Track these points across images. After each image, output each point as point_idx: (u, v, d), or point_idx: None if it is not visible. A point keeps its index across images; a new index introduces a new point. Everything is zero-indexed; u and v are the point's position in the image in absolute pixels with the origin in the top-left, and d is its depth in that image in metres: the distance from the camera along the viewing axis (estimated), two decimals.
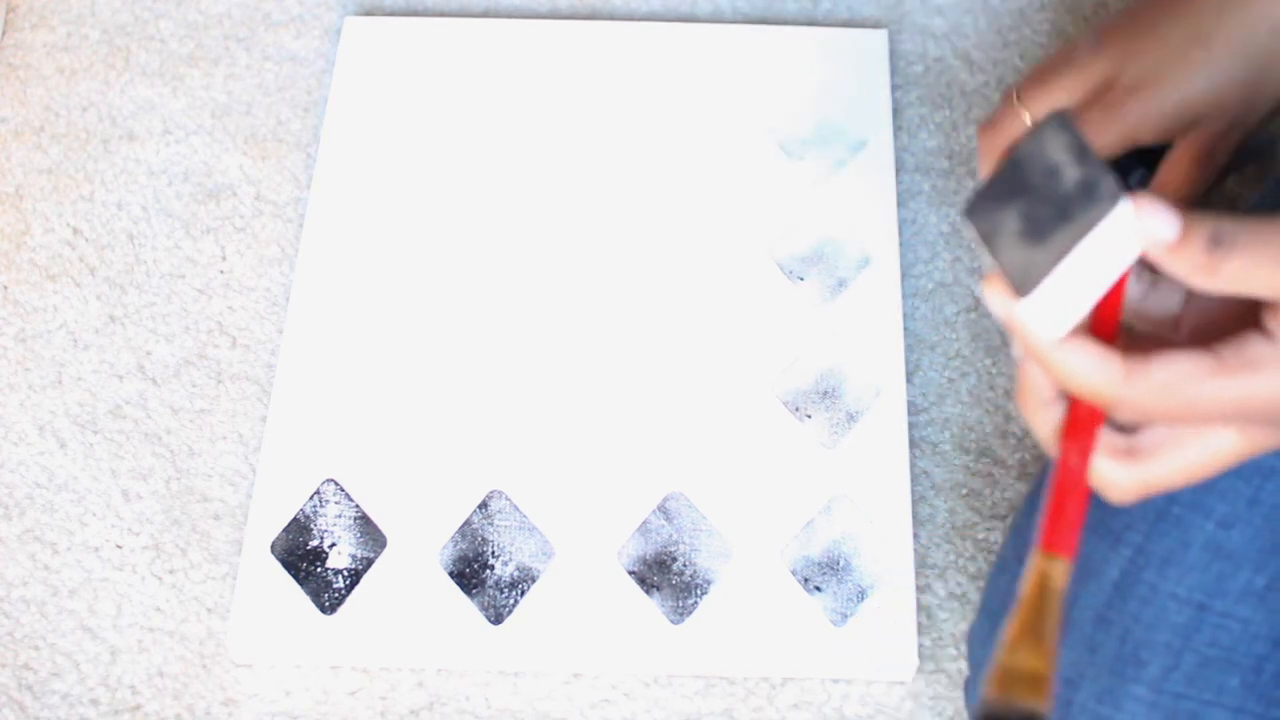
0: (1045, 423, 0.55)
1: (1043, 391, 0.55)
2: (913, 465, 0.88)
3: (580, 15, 1.05)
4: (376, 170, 0.96)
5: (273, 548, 0.84)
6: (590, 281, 0.92)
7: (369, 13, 1.05)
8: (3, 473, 0.88)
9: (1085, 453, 0.54)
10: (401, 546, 0.84)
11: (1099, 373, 0.53)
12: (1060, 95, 0.73)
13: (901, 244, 0.95)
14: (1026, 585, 0.53)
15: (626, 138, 0.97)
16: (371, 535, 0.84)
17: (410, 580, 0.83)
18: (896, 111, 1.00)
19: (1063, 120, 0.52)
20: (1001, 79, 1.02)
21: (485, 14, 1.05)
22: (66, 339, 0.92)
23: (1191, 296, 0.56)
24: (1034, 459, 0.87)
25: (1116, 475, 0.55)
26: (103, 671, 0.82)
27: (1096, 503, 0.67)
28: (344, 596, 0.83)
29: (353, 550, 0.84)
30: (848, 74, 1.00)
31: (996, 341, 0.91)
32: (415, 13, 1.05)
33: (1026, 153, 0.52)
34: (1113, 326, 0.55)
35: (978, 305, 0.93)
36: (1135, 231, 0.52)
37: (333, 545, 0.84)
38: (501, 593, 0.83)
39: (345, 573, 0.83)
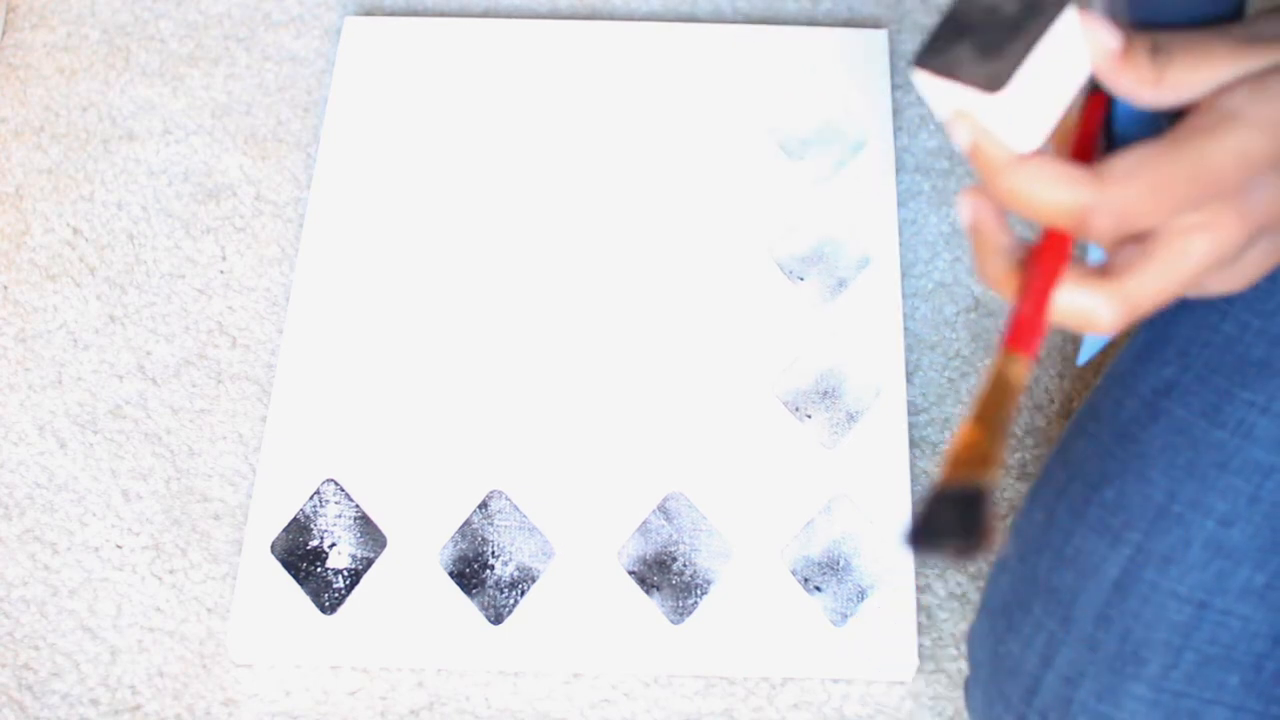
0: (1007, 274, 0.55)
1: (1001, 237, 0.55)
2: (913, 465, 0.88)
3: (580, 15, 1.05)
4: (376, 170, 0.96)
5: (273, 548, 0.84)
6: (590, 281, 0.92)
7: (369, 13, 1.05)
8: (3, 473, 0.88)
9: (1049, 277, 0.54)
10: (401, 546, 0.84)
11: (1067, 179, 0.53)
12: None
13: (901, 244, 0.95)
14: (986, 379, 0.53)
15: (626, 138, 0.97)
16: (371, 535, 0.84)
17: (410, 580, 0.83)
18: (896, 111, 1.00)
19: None
20: None
21: (485, 14, 1.05)
22: (66, 339, 0.92)
23: None
24: (1034, 459, 0.87)
25: (1097, 302, 0.54)
26: (103, 671, 0.82)
27: (1094, 500, 0.67)
28: (344, 596, 0.83)
29: (353, 550, 0.84)
30: (848, 74, 1.00)
31: (996, 341, 0.91)
32: (415, 13, 1.05)
33: (962, 2, 0.54)
34: (1089, 160, 0.56)
35: (978, 305, 0.93)
36: (1083, 40, 0.54)
37: (333, 545, 0.84)
38: (501, 593, 0.83)
39: (345, 573, 0.83)
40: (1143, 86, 0.55)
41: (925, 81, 0.53)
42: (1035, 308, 0.53)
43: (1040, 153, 0.54)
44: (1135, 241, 0.55)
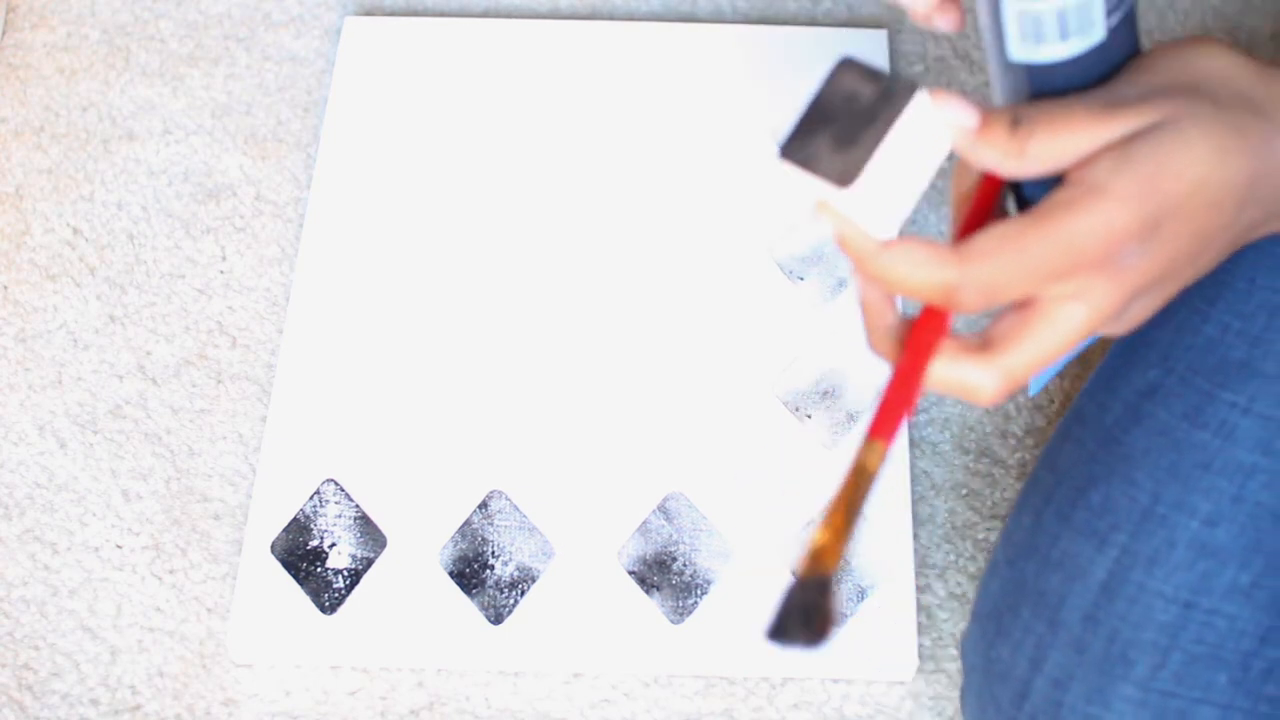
0: (893, 344, 0.58)
1: (886, 316, 0.57)
2: (913, 465, 0.88)
3: (580, 15, 1.05)
4: (376, 170, 0.96)
5: (273, 548, 0.84)
6: (590, 281, 0.92)
7: (369, 13, 1.05)
8: (3, 473, 0.88)
9: (923, 353, 0.56)
10: (401, 546, 0.84)
11: (931, 259, 0.55)
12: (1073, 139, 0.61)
13: None
14: (848, 471, 0.56)
15: (627, 138, 0.97)
16: (371, 535, 0.84)
17: (410, 580, 0.83)
18: None
19: (849, 59, 0.56)
20: None
21: (485, 14, 1.05)
22: (66, 339, 0.92)
23: None
24: (1034, 459, 0.87)
25: (978, 375, 0.56)
26: (103, 671, 0.82)
27: (1080, 504, 0.68)
28: (344, 596, 0.83)
29: (353, 550, 0.84)
30: None
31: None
32: (415, 13, 1.05)
33: (824, 92, 0.56)
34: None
35: None
36: (939, 120, 0.55)
37: (333, 545, 0.84)
38: (501, 593, 0.83)
39: (345, 573, 0.83)
40: (1006, 159, 0.56)
41: (788, 172, 0.55)
42: (903, 403, 0.56)
43: (907, 236, 0.56)
44: (1015, 309, 0.57)
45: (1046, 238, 0.55)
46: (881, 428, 0.56)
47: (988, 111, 0.56)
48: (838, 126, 0.55)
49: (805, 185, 0.55)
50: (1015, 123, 0.56)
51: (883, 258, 0.55)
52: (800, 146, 0.55)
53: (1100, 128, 0.56)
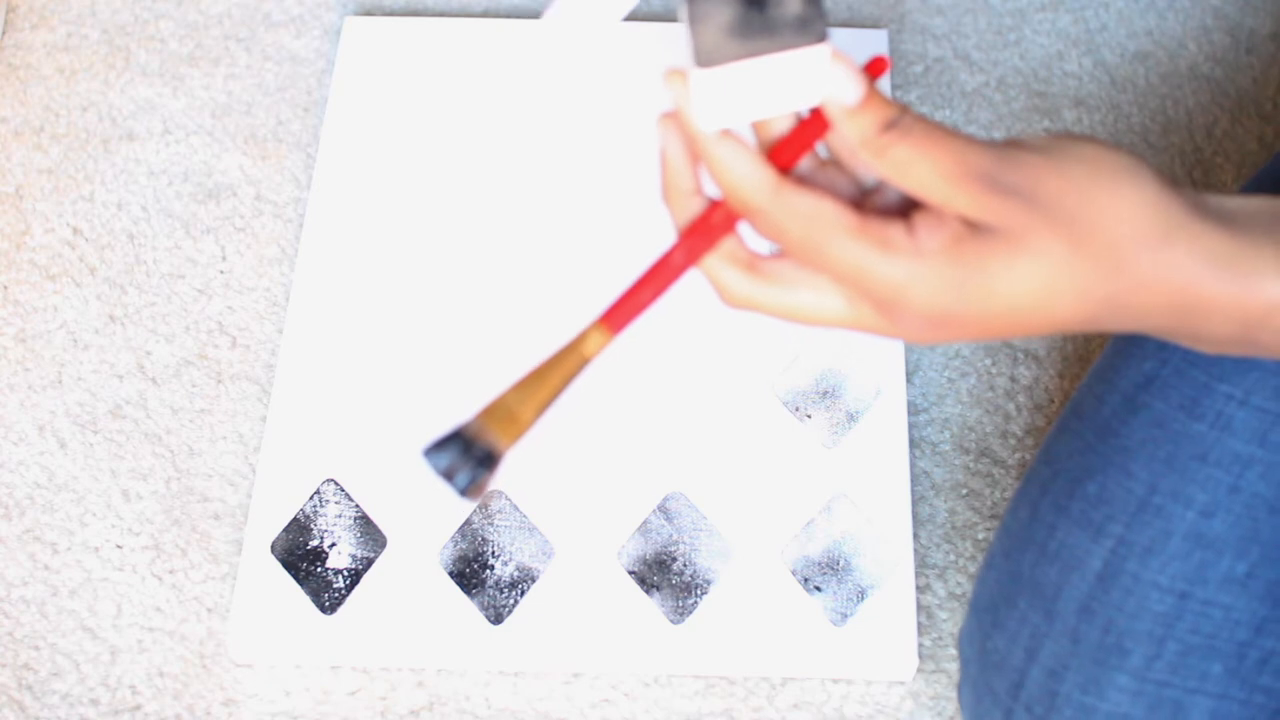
0: (684, 212, 0.57)
1: (685, 181, 0.57)
2: (913, 465, 0.88)
3: None
4: (376, 170, 0.96)
5: (273, 548, 0.84)
6: (590, 281, 0.92)
7: (369, 13, 1.05)
8: (3, 473, 0.88)
9: (694, 254, 0.57)
10: (401, 546, 0.84)
11: (753, 174, 0.55)
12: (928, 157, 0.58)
13: None
14: (562, 349, 0.56)
15: (627, 138, 0.97)
16: (371, 535, 0.84)
17: (410, 580, 0.83)
18: None
19: None
20: (1002, 79, 1.02)
21: (485, 14, 1.05)
22: (66, 339, 0.92)
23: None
24: (1034, 459, 0.87)
25: (733, 279, 0.57)
26: (103, 671, 0.82)
27: (1077, 495, 0.68)
28: (344, 596, 0.83)
29: (353, 550, 0.84)
30: None
31: (996, 342, 0.91)
32: (415, 13, 1.05)
33: None
34: (785, 167, 0.57)
35: None
36: (825, 77, 0.54)
37: (333, 545, 0.84)
38: (501, 593, 0.83)
39: (345, 573, 0.83)
40: (862, 149, 0.55)
41: (681, 15, 0.54)
42: (648, 297, 0.56)
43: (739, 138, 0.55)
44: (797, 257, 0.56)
45: (851, 254, 0.54)
46: (616, 317, 0.56)
47: (874, 96, 0.55)
48: (748, 10, 0.54)
49: (682, 36, 0.54)
50: (890, 124, 0.54)
51: (724, 143, 0.55)
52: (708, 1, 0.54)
53: (958, 187, 0.54)
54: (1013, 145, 0.54)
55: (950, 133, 0.54)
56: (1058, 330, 0.56)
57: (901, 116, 0.54)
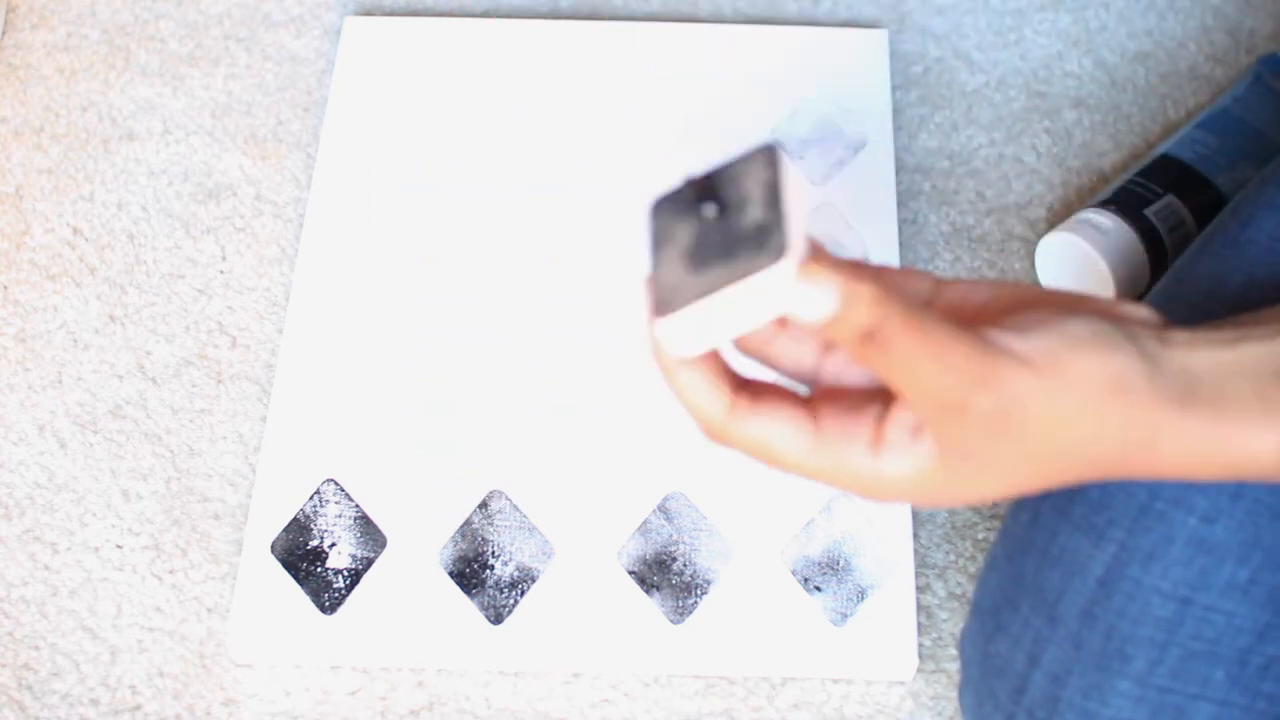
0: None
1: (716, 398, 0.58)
2: None
3: (580, 15, 1.05)
4: (376, 170, 0.96)
5: (273, 548, 0.84)
6: (590, 281, 0.92)
7: (369, 13, 1.05)
8: (3, 473, 0.88)
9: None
10: (401, 546, 0.84)
11: (707, 403, 0.56)
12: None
13: (901, 244, 0.95)
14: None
15: (627, 138, 0.97)
16: (371, 535, 0.84)
17: (410, 580, 0.83)
18: (896, 111, 1.00)
19: (773, 156, 0.53)
20: (1002, 79, 1.02)
21: (485, 14, 1.05)
22: (66, 339, 0.92)
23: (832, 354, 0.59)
24: None
25: (713, 411, 0.57)
26: (103, 671, 0.82)
27: (1078, 499, 0.68)
28: (344, 596, 0.83)
29: (353, 550, 0.84)
30: (848, 74, 1.00)
31: None
32: (415, 13, 1.05)
33: (728, 172, 0.53)
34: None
35: None
36: (790, 296, 0.52)
37: (333, 545, 0.84)
38: (501, 593, 0.83)
39: (345, 573, 0.83)
40: (845, 349, 0.54)
41: (643, 230, 0.54)
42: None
43: (709, 360, 0.55)
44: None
45: (810, 468, 0.56)
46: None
47: (850, 303, 0.52)
48: (706, 229, 0.53)
49: (645, 257, 0.54)
50: (868, 338, 0.53)
51: (675, 369, 0.56)
52: (669, 214, 0.53)
53: (935, 416, 0.54)
54: (1000, 361, 0.54)
55: (934, 342, 0.53)
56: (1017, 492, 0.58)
57: (884, 324, 0.53)
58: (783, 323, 0.58)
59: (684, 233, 0.53)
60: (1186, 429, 0.55)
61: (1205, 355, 0.56)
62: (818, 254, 0.52)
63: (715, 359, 0.56)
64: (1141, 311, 0.57)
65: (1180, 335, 0.57)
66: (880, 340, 0.53)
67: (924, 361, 0.53)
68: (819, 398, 0.57)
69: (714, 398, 0.56)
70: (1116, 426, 0.55)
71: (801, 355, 0.58)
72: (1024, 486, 0.56)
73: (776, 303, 0.52)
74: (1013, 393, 0.54)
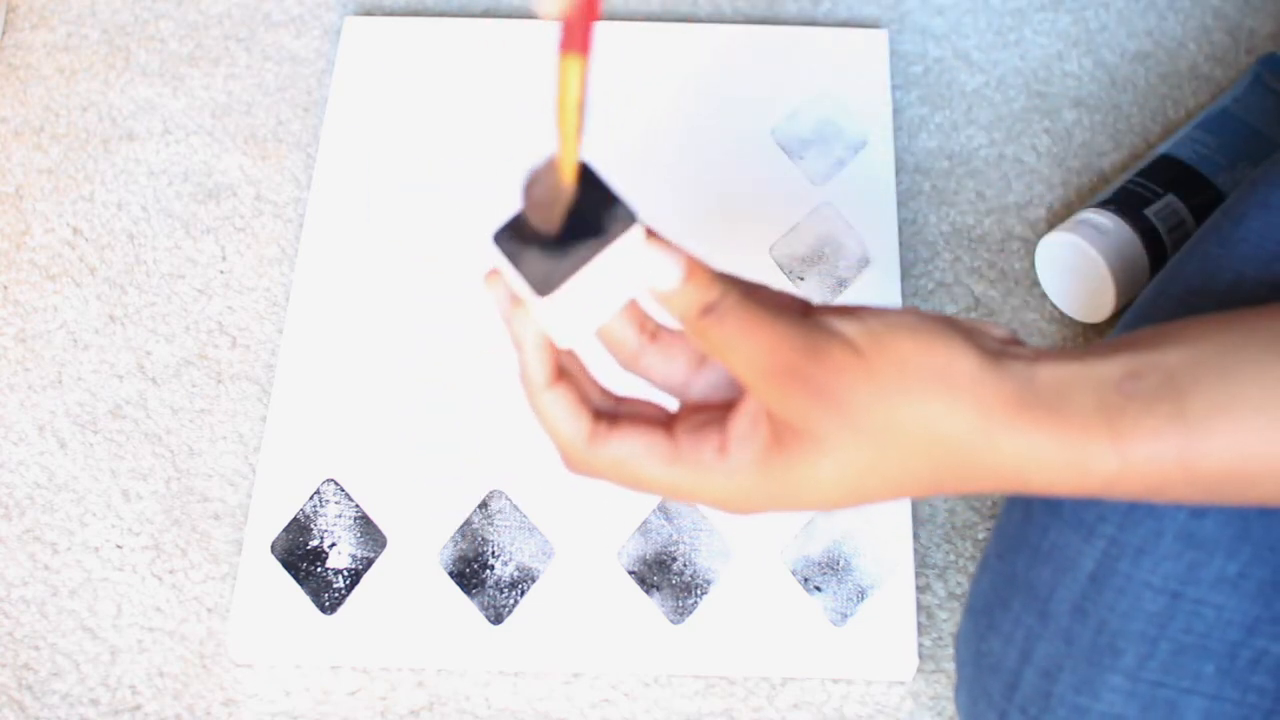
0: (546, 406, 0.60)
1: (538, 378, 0.60)
2: None
3: None
4: (376, 170, 0.96)
5: (273, 548, 0.84)
6: None
7: (369, 13, 1.05)
8: (3, 473, 0.88)
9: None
10: (401, 546, 0.84)
11: (567, 428, 0.59)
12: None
13: (901, 244, 0.95)
14: (561, 91, 0.53)
15: (627, 138, 0.97)
16: (371, 535, 0.84)
17: (410, 580, 0.83)
18: (896, 111, 1.00)
19: (586, 168, 0.57)
20: (1002, 79, 1.02)
21: (485, 14, 1.05)
22: (66, 339, 0.92)
23: (704, 366, 0.62)
24: None
25: (573, 434, 0.60)
26: (103, 671, 0.82)
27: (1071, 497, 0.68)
28: (344, 596, 0.83)
29: (353, 550, 0.84)
30: (848, 74, 1.00)
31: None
32: (415, 13, 1.05)
33: (536, 184, 0.57)
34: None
35: (978, 305, 0.93)
36: (643, 261, 0.57)
37: (333, 545, 0.84)
38: (501, 593, 0.83)
39: (345, 573, 0.83)
40: (686, 329, 0.58)
41: (497, 259, 0.57)
42: (584, 10, 0.53)
43: (567, 383, 0.59)
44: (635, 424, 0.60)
45: (670, 482, 0.59)
46: (571, 42, 0.52)
47: (693, 276, 0.57)
48: (557, 231, 0.56)
49: (510, 276, 0.56)
50: (709, 308, 0.57)
51: (539, 394, 0.59)
52: (516, 235, 0.56)
53: (767, 382, 0.56)
54: (827, 338, 0.57)
55: (769, 318, 0.57)
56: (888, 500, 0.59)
57: (722, 299, 0.57)
58: (648, 330, 0.61)
59: (535, 242, 0.56)
60: (1025, 429, 0.56)
61: (1050, 365, 0.57)
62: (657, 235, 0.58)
63: (578, 387, 0.60)
64: (996, 329, 0.59)
65: (1030, 350, 0.58)
66: (718, 313, 0.57)
67: (757, 333, 0.56)
68: (678, 416, 0.60)
69: (575, 422, 0.59)
70: (942, 413, 0.56)
71: (672, 371, 0.61)
72: (870, 482, 0.57)
73: (636, 269, 0.57)
74: (836, 365, 0.56)
